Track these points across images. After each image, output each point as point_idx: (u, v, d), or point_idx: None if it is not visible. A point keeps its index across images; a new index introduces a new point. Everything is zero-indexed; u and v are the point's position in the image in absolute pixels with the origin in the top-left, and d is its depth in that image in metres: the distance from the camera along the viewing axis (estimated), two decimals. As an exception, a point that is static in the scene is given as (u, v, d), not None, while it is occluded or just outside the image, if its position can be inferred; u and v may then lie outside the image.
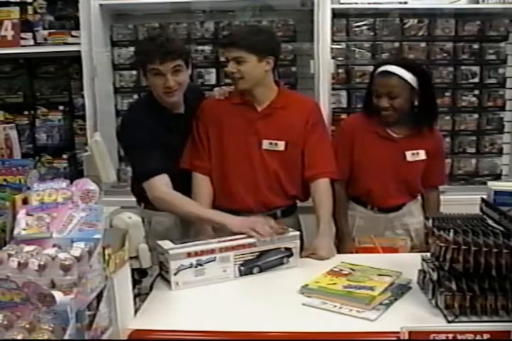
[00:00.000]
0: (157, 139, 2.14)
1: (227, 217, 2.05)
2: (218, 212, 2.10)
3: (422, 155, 2.36)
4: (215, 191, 2.27)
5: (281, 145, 2.22)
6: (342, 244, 2.39)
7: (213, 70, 3.08)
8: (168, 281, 1.78)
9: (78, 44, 2.95)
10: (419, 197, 2.52)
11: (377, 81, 2.30)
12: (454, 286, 1.46)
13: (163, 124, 2.19)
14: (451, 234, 1.47)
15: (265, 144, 2.21)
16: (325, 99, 2.86)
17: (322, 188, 2.22)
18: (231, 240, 1.88)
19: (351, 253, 2.28)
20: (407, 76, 2.26)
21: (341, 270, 1.82)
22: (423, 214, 2.46)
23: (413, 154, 2.36)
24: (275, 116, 2.22)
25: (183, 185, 2.19)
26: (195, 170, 2.26)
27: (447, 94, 3.09)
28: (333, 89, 3.00)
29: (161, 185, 2.12)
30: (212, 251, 1.82)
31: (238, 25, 3.06)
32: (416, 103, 2.32)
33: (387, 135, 2.37)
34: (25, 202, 1.46)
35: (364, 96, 2.47)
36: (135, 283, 1.63)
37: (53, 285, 1.16)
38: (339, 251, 2.26)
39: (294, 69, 3.06)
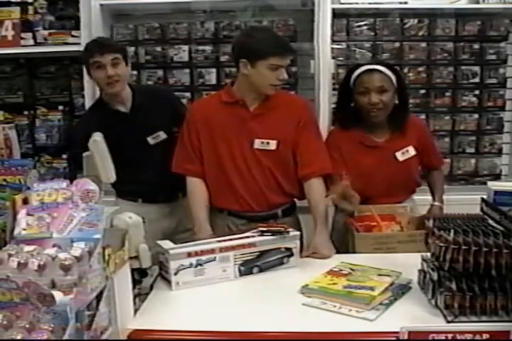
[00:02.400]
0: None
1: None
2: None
3: (411, 151, 2.38)
4: (217, 193, 2.28)
5: (272, 145, 2.22)
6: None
7: (214, 70, 3.07)
8: (168, 281, 1.78)
9: (78, 44, 2.93)
10: (414, 197, 2.55)
11: (364, 79, 2.28)
12: (453, 286, 1.46)
13: (100, 121, 2.31)
14: (451, 234, 1.47)
15: (257, 143, 2.22)
16: (325, 99, 2.85)
17: (316, 188, 2.23)
18: (231, 240, 1.88)
19: (349, 222, 2.27)
20: (389, 73, 2.29)
21: (341, 270, 1.82)
22: (417, 212, 2.47)
23: (403, 153, 2.37)
24: (267, 115, 2.23)
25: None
26: (188, 174, 2.28)
27: (447, 94, 3.09)
28: (334, 89, 3.00)
29: None
30: (212, 251, 1.82)
31: (238, 25, 3.05)
32: (396, 101, 2.35)
33: (371, 142, 2.37)
34: (25, 202, 1.46)
35: (337, 108, 2.50)
36: (135, 283, 1.63)
37: (53, 285, 1.16)
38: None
39: (294, 69, 3.06)
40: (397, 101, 2.36)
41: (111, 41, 2.46)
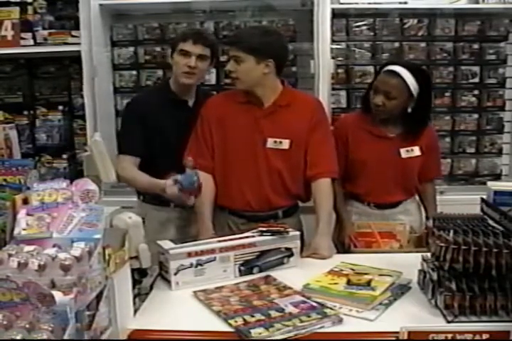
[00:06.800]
0: (148, 122, 2.30)
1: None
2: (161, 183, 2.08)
3: (416, 151, 2.41)
4: (220, 190, 2.27)
5: (285, 144, 2.22)
6: (342, 228, 2.44)
7: (213, 70, 3.08)
8: (168, 281, 1.78)
9: (78, 44, 2.95)
10: (417, 198, 2.55)
11: (381, 78, 2.33)
12: (453, 286, 1.46)
13: (165, 108, 2.31)
14: (451, 234, 1.47)
15: (270, 143, 2.21)
16: (324, 99, 2.85)
17: (323, 188, 2.22)
18: (231, 240, 1.88)
19: (350, 238, 2.32)
20: (411, 82, 2.27)
21: (342, 270, 1.82)
22: (420, 214, 2.51)
23: (407, 151, 2.40)
24: (279, 114, 2.22)
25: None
26: (200, 169, 2.26)
27: (447, 94, 3.09)
28: (333, 89, 3.00)
29: (124, 164, 2.28)
30: (213, 251, 1.82)
31: (238, 25, 3.06)
32: (409, 110, 2.33)
33: (380, 133, 2.41)
34: (25, 202, 1.46)
35: (365, 92, 2.49)
36: (135, 283, 1.63)
37: (53, 285, 1.16)
38: (339, 237, 2.35)
39: (294, 69, 3.06)
40: (409, 110, 2.33)
41: (208, 35, 2.40)
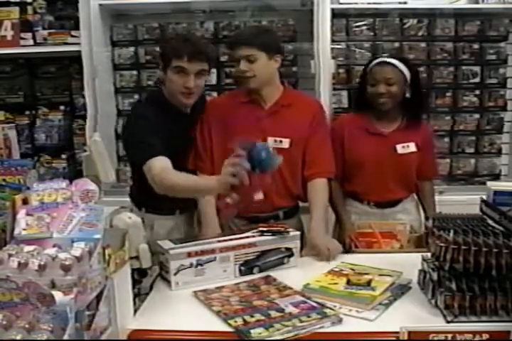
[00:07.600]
0: (159, 130, 2.05)
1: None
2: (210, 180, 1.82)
3: (412, 147, 2.43)
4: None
5: (285, 143, 2.22)
6: (342, 228, 2.44)
7: (214, 70, 3.07)
8: (168, 281, 1.78)
9: (78, 44, 2.94)
10: (416, 197, 2.56)
11: (375, 70, 2.37)
12: (453, 286, 1.46)
13: (166, 120, 2.13)
14: (451, 234, 1.47)
15: (270, 142, 2.22)
16: (325, 99, 2.85)
17: (319, 187, 2.24)
18: (231, 240, 1.88)
19: (350, 239, 2.32)
20: (402, 67, 2.36)
21: (342, 270, 1.82)
22: (419, 213, 2.53)
23: (403, 147, 2.42)
24: (281, 113, 2.24)
25: None
26: (199, 171, 2.27)
27: (448, 94, 3.09)
28: (334, 89, 3.00)
29: (161, 164, 1.94)
30: (213, 251, 1.82)
31: (238, 25, 3.06)
32: (407, 95, 2.39)
33: (376, 130, 2.43)
34: (25, 202, 1.46)
35: (356, 92, 2.53)
36: (135, 283, 1.63)
37: (53, 285, 1.16)
38: (339, 237, 2.34)
39: (294, 69, 3.07)
40: (408, 95, 2.40)
41: (205, 47, 2.12)
